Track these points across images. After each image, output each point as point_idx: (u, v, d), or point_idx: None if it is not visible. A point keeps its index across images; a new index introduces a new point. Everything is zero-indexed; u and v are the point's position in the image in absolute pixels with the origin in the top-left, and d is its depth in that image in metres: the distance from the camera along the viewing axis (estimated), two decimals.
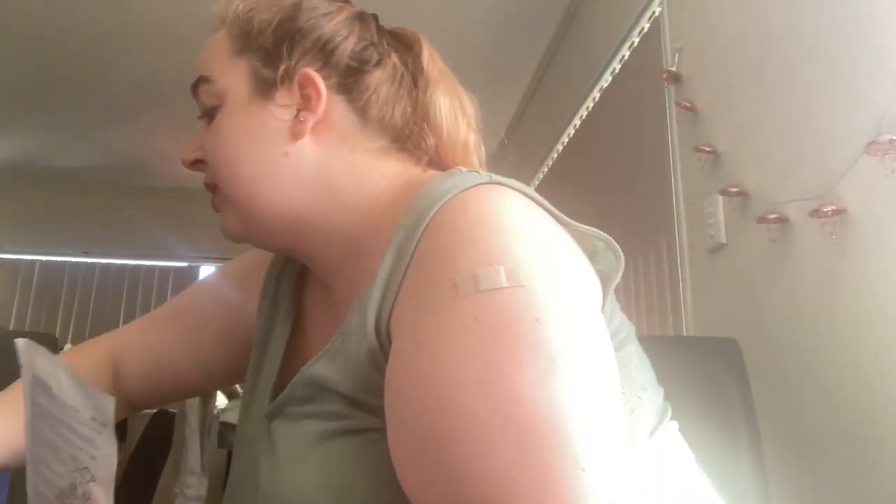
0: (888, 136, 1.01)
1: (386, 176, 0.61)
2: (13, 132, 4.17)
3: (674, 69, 1.74)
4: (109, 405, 0.49)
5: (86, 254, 5.02)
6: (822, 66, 1.22)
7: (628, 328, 0.58)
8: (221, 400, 3.35)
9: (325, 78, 0.60)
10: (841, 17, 1.18)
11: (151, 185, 4.91)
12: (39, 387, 0.53)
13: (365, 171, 0.60)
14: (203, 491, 3.03)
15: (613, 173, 2.35)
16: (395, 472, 0.44)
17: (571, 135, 2.82)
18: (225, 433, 3.22)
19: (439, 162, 0.65)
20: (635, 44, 2.17)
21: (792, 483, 1.19)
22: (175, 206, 4.92)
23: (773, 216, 1.29)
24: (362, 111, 0.62)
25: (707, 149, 1.55)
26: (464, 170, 0.54)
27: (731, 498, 0.59)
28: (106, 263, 5.07)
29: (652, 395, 0.58)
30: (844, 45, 1.16)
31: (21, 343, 0.54)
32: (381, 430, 0.46)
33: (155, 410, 3.51)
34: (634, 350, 0.58)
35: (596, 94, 2.51)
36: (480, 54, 2.99)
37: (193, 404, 3.08)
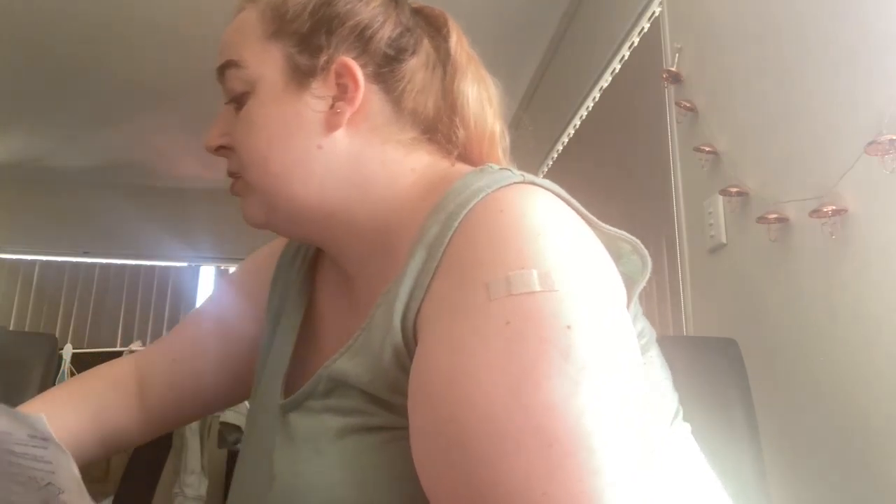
0: (888, 136, 1.01)
1: (415, 169, 0.59)
2: (13, 132, 4.17)
3: (674, 69, 1.74)
4: (40, 421, 0.47)
5: (86, 254, 5.01)
6: (823, 66, 1.22)
7: (650, 332, 0.57)
8: None
9: (361, 66, 0.58)
10: (841, 17, 1.18)
11: (151, 185, 4.92)
12: None
13: (395, 163, 0.59)
14: (203, 491, 3.03)
15: (613, 173, 2.35)
16: (416, 471, 0.43)
17: (571, 135, 2.82)
18: (225, 433, 3.22)
19: (466, 155, 0.63)
20: (635, 44, 2.16)
21: (792, 483, 1.19)
22: (175, 206, 4.92)
23: (773, 216, 1.29)
24: (397, 101, 0.60)
25: (707, 149, 1.55)
26: (495, 167, 0.53)
27: (732, 498, 0.59)
28: (106, 263, 5.07)
29: (669, 401, 0.58)
30: (844, 45, 1.16)
31: None
32: (402, 429, 0.46)
33: None
34: (656, 354, 0.57)
35: (596, 94, 2.51)
36: (479, 55, 2.99)
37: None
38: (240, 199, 0.62)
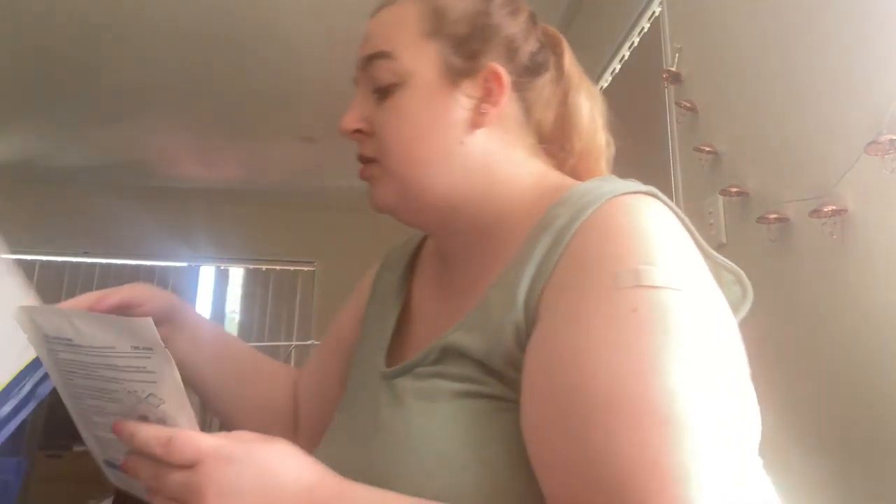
0: (888, 136, 1.01)
1: (532, 173, 0.65)
2: (13, 132, 4.17)
3: (674, 69, 1.74)
4: (146, 326, 0.46)
5: (86, 254, 5.02)
6: (822, 67, 1.22)
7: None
8: None
9: (507, 74, 0.64)
10: (841, 17, 1.18)
11: (151, 185, 4.91)
12: (58, 344, 0.51)
13: (518, 165, 0.65)
14: None
15: (613, 173, 2.34)
16: (526, 442, 0.47)
17: None
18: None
19: (576, 164, 0.69)
20: (635, 44, 2.16)
21: (792, 483, 1.19)
22: (175, 206, 4.92)
23: (773, 216, 1.29)
24: (528, 111, 0.67)
25: (707, 149, 1.55)
26: (615, 178, 0.58)
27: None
28: (106, 263, 5.07)
29: (756, 427, 0.60)
30: (844, 45, 1.16)
31: (19, 312, 0.52)
32: (512, 402, 0.50)
33: None
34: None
35: None
36: None
37: (194, 404, 3.07)
38: (370, 184, 0.65)
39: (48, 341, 0.53)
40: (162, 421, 0.48)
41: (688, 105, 1.65)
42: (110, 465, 0.56)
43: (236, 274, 5.39)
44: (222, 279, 5.32)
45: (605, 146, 0.72)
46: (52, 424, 2.60)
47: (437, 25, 0.64)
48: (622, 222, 0.50)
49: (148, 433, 0.46)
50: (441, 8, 0.64)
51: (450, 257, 0.69)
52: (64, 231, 4.88)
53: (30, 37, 3.00)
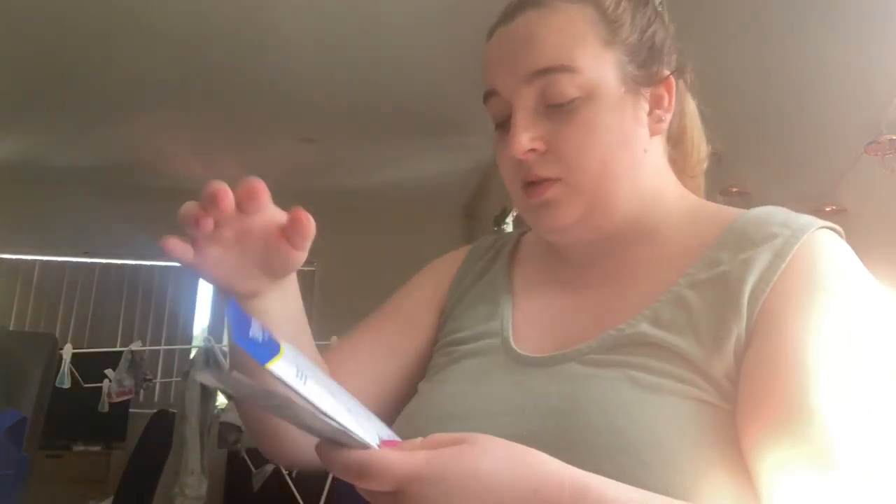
0: (888, 136, 1.01)
1: (673, 180, 0.68)
2: (13, 132, 4.18)
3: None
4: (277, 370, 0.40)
5: (86, 254, 5.02)
6: (822, 67, 1.22)
7: None
8: (221, 400, 3.35)
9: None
10: (841, 16, 1.18)
11: (151, 185, 4.91)
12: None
13: (667, 173, 0.67)
14: (203, 491, 3.03)
15: None
16: (742, 429, 0.50)
17: None
18: (225, 433, 3.22)
19: (684, 167, 0.71)
20: None
21: None
22: (174, 206, 4.84)
23: None
24: (677, 116, 0.68)
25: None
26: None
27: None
28: (106, 263, 5.08)
29: None
30: (844, 46, 1.16)
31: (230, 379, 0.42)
32: (721, 408, 0.52)
33: (155, 410, 3.51)
34: None
35: None
36: (476, 58, 3.00)
37: (193, 404, 3.07)
38: (544, 206, 0.62)
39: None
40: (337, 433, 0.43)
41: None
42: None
43: None
44: None
45: (705, 147, 0.74)
46: (52, 424, 2.60)
47: (611, 35, 0.62)
48: (835, 254, 0.56)
49: (340, 463, 0.41)
50: (611, 15, 0.63)
51: (572, 255, 0.69)
52: (64, 231, 4.88)
53: (30, 37, 3.00)
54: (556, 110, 0.61)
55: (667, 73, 0.65)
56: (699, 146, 0.72)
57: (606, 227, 0.64)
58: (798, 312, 0.52)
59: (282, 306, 0.61)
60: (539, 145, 0.61)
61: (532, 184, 0.62)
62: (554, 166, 0.61)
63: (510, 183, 0.65)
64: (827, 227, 0.58)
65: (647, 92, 0.64)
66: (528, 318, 0.68)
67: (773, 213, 0.60)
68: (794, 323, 0.52)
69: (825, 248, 0.56)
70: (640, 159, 0.63)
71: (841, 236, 0.60)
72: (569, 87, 0.60)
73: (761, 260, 0.55)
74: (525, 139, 0.60)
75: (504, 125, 0.64)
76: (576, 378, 0.57)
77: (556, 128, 0.61)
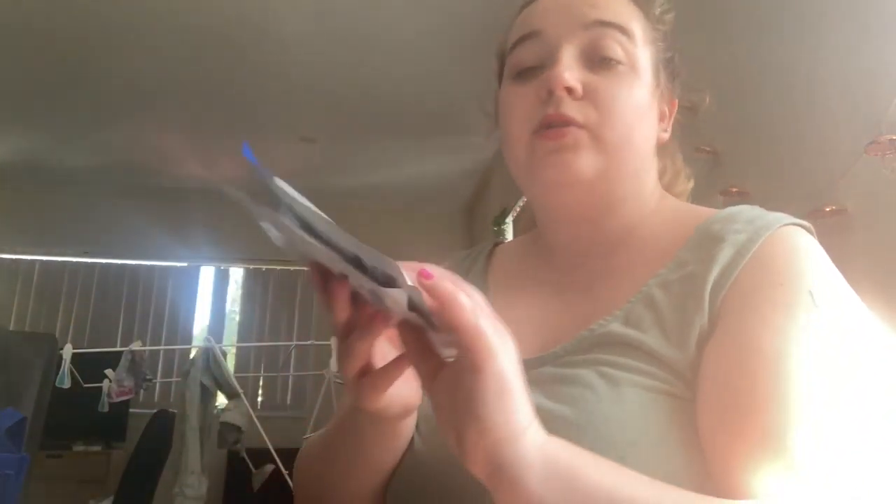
0: (888, 136, 1.01)
1: (659, 186, 0.71)
2: (13, 132, 4.18)
3: None
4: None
5: (86, 254, 5.02)
6: (823, 66, 1.22)
7: None
8: (221, 400, 3.35)
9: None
10: (841, 16, 1.18)
11: (151, 185, 4.91)
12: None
13: (655, 176, 0.70)
14: (203, 491, 3.03)
15: None
16: (700, 418, 0.52)
17: None
18: (225, 433, 3.22)
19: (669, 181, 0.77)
20: None
21: None
22: (175, 206, 4.92)
23: None
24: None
25: (707, 149, 1.55)
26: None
27: None
28: (106, 263, 5.08)
29: None
30: (844, 46, 1.16)
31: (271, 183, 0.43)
32: (686, 399, 0.54)
33: (155, 410, 3.52)
34: None
35: None
36: (479, 57, 3.00)
37: (193, 404, 3.07)
38: (567, 151, 0.61)
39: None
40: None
41: (688, 105, 1.65)
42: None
43: (236, 274, 5.39)
44: (222, 279, 5.33)
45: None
46: (52, 424, 2.60)
47: (652, 35, 0.67)
48: (805, 247, 0.57)
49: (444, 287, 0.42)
50: (655, 22, 0.68)
51: (560, 255, 0.70)
52: (64, 231, 4.88)
53: (30, 37, 3.00)
54: (601, 65, 0.62)
55: (674, 91, 0.71)
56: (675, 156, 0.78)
57: (606, 199, 0.65)
58: (756, 307, 0.53)
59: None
60: (578, 87, 0.61)
61: (551, 127, 0.61)
62: (587, 111, 0.61)
63: (523, 127, 0.63)
64: (794, 224, 0.59)
65: (662, 102, 0.68)
66: (508, 325, 0.68)
67: (741, 212, 0.61)
68: (751, 317, 0.53)
69: (787, 244, 0.57)
70: (650, 152, 0.67)
71: (811, 233, 0.60)
72: (619, 49, 0.62)
73: (723, 256, 0.57)
74: (570, 76, 0.60)
75: (528, 73, 0.64)
76: (553, 380, 0.58)
77: (598, 78, 0.62)
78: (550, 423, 0.52)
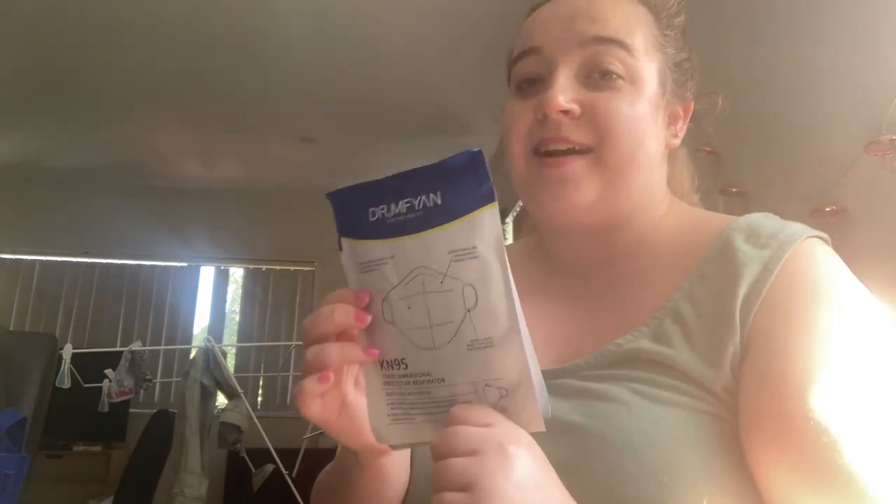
0: (888, 136, 1.01)
1: (670, 195, 0.69)
2: (13, 132, 4.18)
3: None
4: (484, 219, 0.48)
5: (86, 254, 5.02)
6: (822, 67, 1.22)
7: None
8: (221, 400, 3.35)
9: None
10: (841, 17, 1.18)
11: (151, 185, 4.92)
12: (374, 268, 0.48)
13: (665, 185, 0.69)
14: (203, 491, 3.03)
15: None
16: (746, 444, 0.51)
17: None
18: (225, 433, 3.22)
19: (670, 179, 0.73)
20: None
21: None
22: (175, 206, 4.92)
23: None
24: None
25: (707, 149, 1.55)
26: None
27: None
28: (106, 263, 5.08)
29: None
30: (844, 45, 1.16)
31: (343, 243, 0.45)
32: (724, 418, 0.53)
33: (155, 410, 3.51)
34: None
35: None
36: (479, 58, 2.99)
37: (193, 404, 3.07)
38: (564, 183, 0.60)
39: (363, 269, 0.47)
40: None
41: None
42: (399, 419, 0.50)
43: (236, 274, 5.39)
44: (222, 279, 5.33)
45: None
46: (52, 424, 2.60)
47: (663, 43, 0.65)
48: (830, 262, 0.57)
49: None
50: (665, 25, 0.66)
51: (568, 264, 0.68)
52: (64, 231, 4.88)
53: (30, 37, 3.00)
54: (598, 82, 0.60)
55: (689, 96, 0.68)
56: (683, 160, 0.77)
57: (613, 216, 0.63)
58: (790, 326, 0.53)
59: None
60: (575, 108, 0.60)
61: (550, 155, 0.60)
62: (586, 132, 0.60)
63: (519, 148, 0.63)
64: (815, 237, 0.59)
65: (671, 107, 0.66)
66: None
67: (762, 223, 0.59)
68: (786, 337, 0.52)
69: (813, 259, 0.56)
70: (657, 165, 0.65)
71: (828, 244, 0.60)
72: (619, 64, 0.60)
73: (750, 272, 0.55)
74: (565, 98, 0.59)
75: (528, 87, 0.63)
76: (581, 393, 0.57)
77: (596, 96, 0.60)
78: (580, 438, 0.53)
